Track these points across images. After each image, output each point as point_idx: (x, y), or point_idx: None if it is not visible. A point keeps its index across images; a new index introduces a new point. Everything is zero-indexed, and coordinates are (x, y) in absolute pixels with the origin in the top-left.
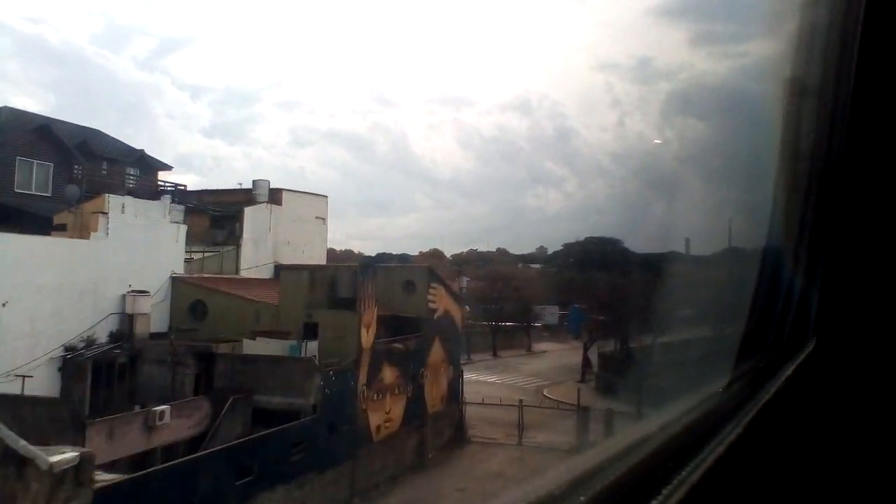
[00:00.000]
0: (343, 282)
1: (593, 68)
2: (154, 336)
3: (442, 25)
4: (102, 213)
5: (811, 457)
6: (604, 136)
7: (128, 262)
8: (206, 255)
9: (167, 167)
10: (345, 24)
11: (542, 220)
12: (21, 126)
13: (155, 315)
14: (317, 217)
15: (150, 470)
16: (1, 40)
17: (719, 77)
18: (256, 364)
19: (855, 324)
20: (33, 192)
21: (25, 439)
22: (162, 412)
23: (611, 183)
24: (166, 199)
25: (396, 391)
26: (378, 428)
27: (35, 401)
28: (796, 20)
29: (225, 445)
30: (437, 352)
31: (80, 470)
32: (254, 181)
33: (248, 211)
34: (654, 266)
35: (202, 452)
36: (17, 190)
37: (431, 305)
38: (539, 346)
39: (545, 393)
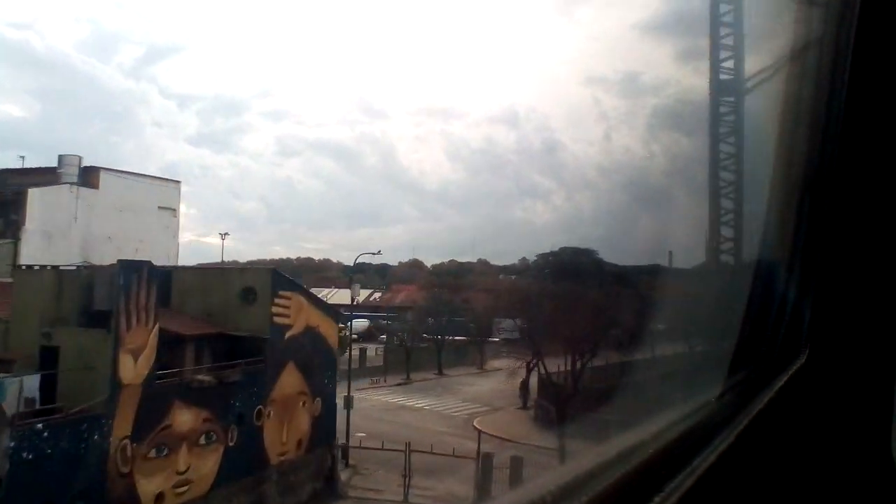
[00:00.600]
0: (100, 289)
1: (580, 82)
2: None
3: (430, 37)
4: None
5: (802, 467)
6: (590, 149)
7: None
8: None
9: None
10: (333, 35)
11: (529, 232)
12: None
13: None
14: (161, 207)
15: None
16: None
17: (705, 92)
18: None
19: (847, 335)
20: None
21: None
22: None
23: (597, 196)
24: None
25: (203, 441)
26: (159, 496)
27: None
28: (783, 35)
29: None
30: (289, 381)
31: None
32: (60, 156)
33: (34, 194)
34: (627, 278)
35: None
36: None
37: (281, 319)
38: (494, 363)
39: (476, 423)
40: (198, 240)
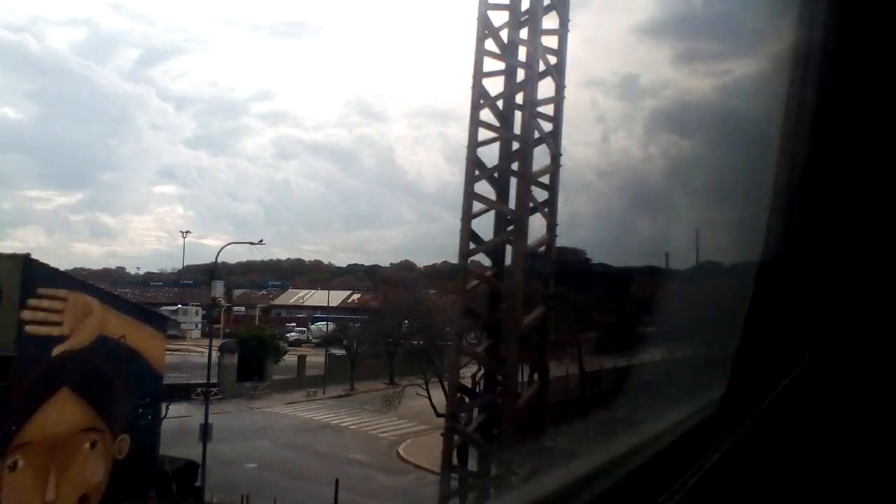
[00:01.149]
0: None
1: (578, 85)
2: None
3: (428, 40)
4: None
5: (804, 468)
6: (588, 151)
7: None
8: None
9: None
10: (332, 37)
11: (529, 233)
12: None
13: None
14: None
15: None
16: None
17: (703, 94)
18: None
19: (849, 339)
20: None
21: None
22: None
23: (595, 198)
24: None
25: None
26: None
27: None
28: (782, 37)
29: None
30: (60, 415)
31: None
32: None
33: None
34: (616, 279)
35: None
36: None
37: (42, 329)
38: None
39: (401, 450)
40: (196, 242)
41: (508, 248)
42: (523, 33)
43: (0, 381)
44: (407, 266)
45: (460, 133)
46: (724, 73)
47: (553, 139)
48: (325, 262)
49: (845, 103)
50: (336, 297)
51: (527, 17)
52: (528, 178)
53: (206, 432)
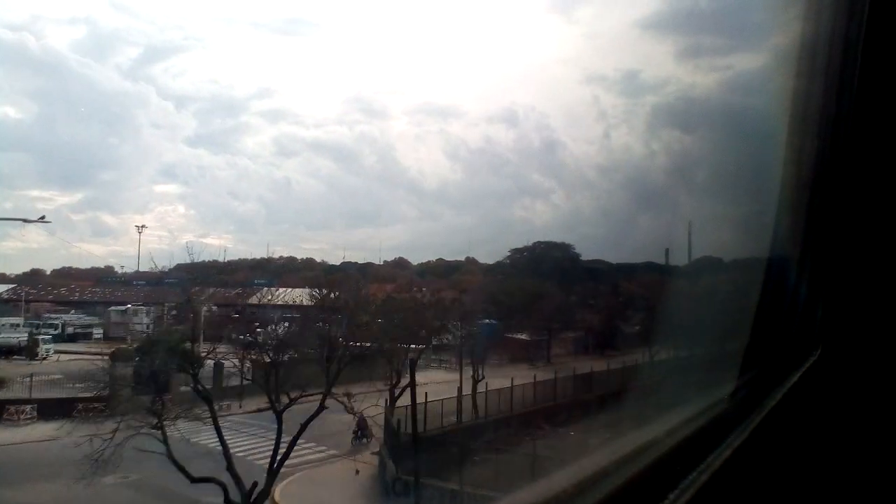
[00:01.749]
0: None
1: (580, 81)
2: None
3: (429, 37)
4: None
5: (815, 463)
6: (590, 148)
7: None
8: None
9: None
10: (332, 34)
11: (529, 231)
12: None
13: None
14: None
15: None
16: None
17: (707, 90)
18: None
19: (859, 334)
20: None
21: None
22: None
23: (596, 195)
24: None
25: None
26: None
27: None
28: (792, 31)
29: None
30: None
31: None
32: None
33: None
34: (607, 274)
35: None
36: None
37: None
38: (433, 375)
39: (276, 493)
40: (198, 241)
41: None
42: None
43: None
44: (400, 263)
45: (461, 130)
46: (728, 69)
47: None
48: (319, 259)
49: (853, 97)
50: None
51: None
52: None
53: None
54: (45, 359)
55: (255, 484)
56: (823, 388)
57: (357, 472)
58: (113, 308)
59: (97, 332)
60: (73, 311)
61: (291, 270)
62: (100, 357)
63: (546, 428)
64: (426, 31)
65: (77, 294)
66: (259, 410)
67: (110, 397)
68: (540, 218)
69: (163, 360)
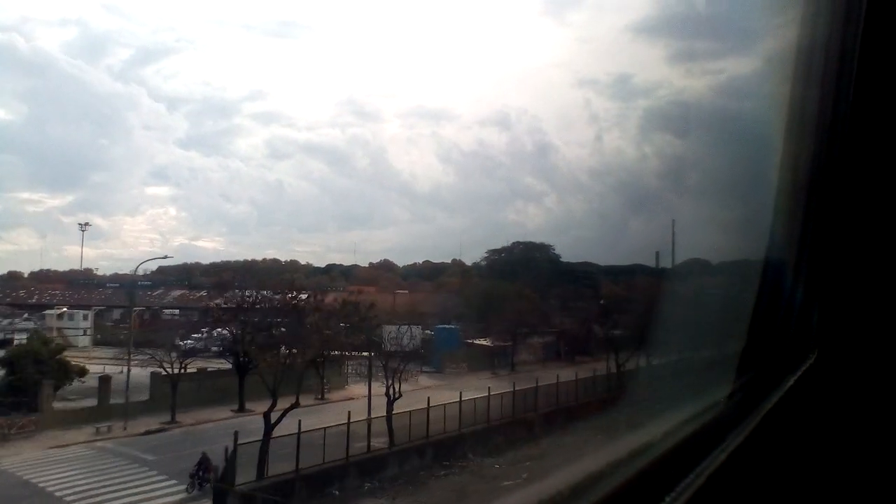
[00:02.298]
0: None
1: (572, 84)
2: None
3: (422, 39)
4: None
5: (812, 465)
6: (582, 151)
7: None
8: None
9: None
10: (324, 37)
11: (522, 234)
12: None
13: None
14: None
15: None
16: None
17: (698, 93)
18: None
19: (855, 337)
20: None
21: None
22: None
23: (588, 198)
24: None
25: None
26: None
27: None
28: (788, 35)
29: None
30: None
31: None
32: None
33: None
34: (585, 275)
35: None
36: None
37: None
38: (355, 389)
39: None
40: (189, 243)
41: None
42: None
43: None
44: (386, 266)
45: (454, 133)
46: (720, 73)
47: None
48: (302, 262)
49: (850, 101)
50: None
51: None
52: None
53: None
54: None
55: None
56: (820, 392)
57: None
58: (48, 311)
59: (19, 338)
60: (25, 316)
61: (275, 273)
62: None
63: (471, 458)
64: (419, 35)
65: (36, 297)
66: (146, 433)
67: None
68: (532, 221)
69: (28, 373)
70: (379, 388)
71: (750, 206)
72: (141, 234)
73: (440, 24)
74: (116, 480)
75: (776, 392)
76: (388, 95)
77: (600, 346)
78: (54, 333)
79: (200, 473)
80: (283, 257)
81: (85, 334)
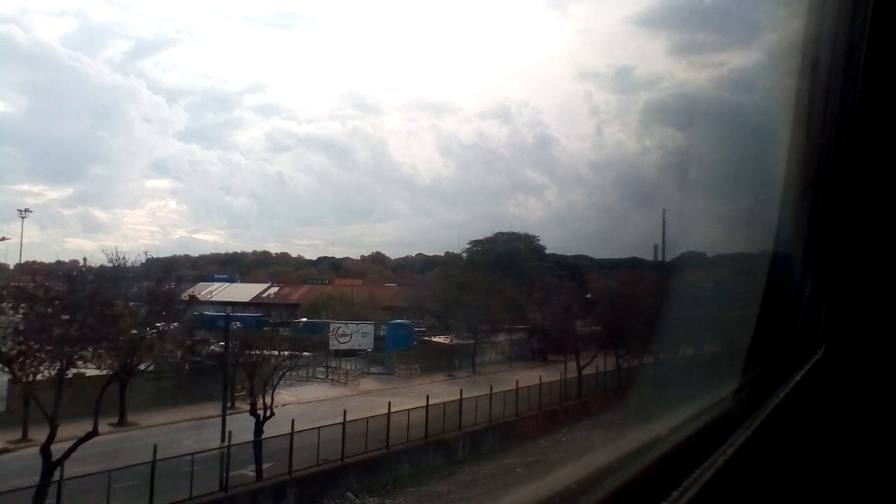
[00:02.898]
0: None
1: (573, 77)
2: None
3: (422, 32)
4: None
5: (818, 460)
6: (583, 144)
7: None
8: None
9: None
10: (325, 29)
11: (523, 227)
12: None
13: None
14: None
15: None
16: None
17: (700, 86)
18: None
19: (862, 332)
20: None
21: None
22: None
23: (589, 191)
24: None
25: None
26: None
27: None
28: (795, 29)
29: None
30: None
31: None
32: None
33: None
34: (573, 268)
35: None
36: None
37: None
38: (303, 392)
39: None
40: (189, 236)
41: None
42: None
43: None
44: (378, 259)
45: (454, 126)
46: (721, 65)
47: None
48: (293, 255)
49: (857, 95)
50: (254, 290)
51: None
52: None
53: None
54: None
55: None
56: (827, 386)
57: None
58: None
59: None
60: None
61: (264, 265)
62: None
63: (351, 500)
64: (419, 27)
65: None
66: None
67: None
68: (533, 214)
69: None
70: (328, 391)
71: (754, 201)
72: (141, 226)
73: (441, 17)
74: None
75: (783, 387)
76: (388, 88)
77: (580, 343)
78: None
79: None
80: (284, 250)
81: None
